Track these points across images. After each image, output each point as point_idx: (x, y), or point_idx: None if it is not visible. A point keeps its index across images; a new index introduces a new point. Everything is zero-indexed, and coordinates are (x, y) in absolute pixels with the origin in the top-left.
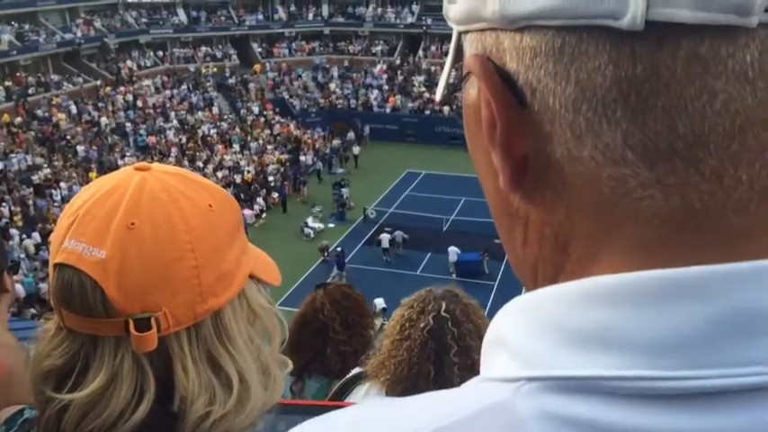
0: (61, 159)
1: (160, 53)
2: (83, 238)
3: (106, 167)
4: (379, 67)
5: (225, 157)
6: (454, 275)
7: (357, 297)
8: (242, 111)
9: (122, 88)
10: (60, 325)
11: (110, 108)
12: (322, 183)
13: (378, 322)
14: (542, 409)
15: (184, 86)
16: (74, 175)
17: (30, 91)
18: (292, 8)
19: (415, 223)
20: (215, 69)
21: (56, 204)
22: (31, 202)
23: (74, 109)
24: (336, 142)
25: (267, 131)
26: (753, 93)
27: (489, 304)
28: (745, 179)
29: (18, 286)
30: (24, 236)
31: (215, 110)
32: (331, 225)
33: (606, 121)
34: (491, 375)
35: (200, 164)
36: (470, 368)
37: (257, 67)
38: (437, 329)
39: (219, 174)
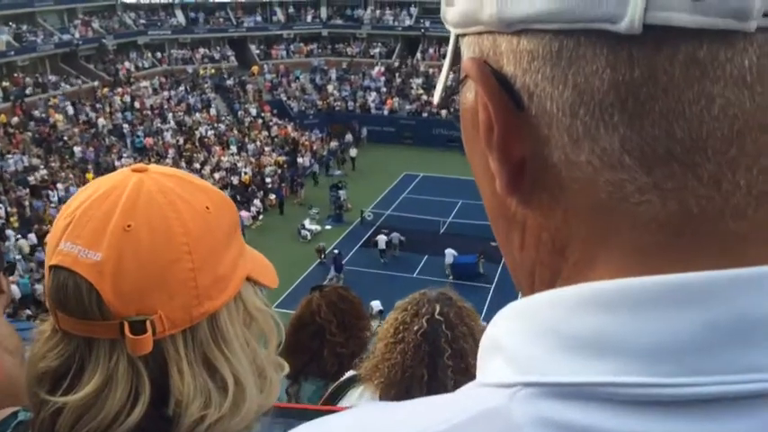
0: (58, 160)
1: (158, 54)
2: (79, 240)
3: (103, 169)
4: (377, 69)
5: (222, 158)
6: (450, 278)
7: (353, 299)
8: (240, 112)
9: (120, 89)
10: (56, 327)
11: (107, 109)
12: (318, 185)
13: (374, 324)
14: (538, 415)
15: (182, 88)
16: (70, 176)
17: (27, 91)
18: (291, 10)
19: (413, 225)
20: (213, 71)
21: (52, 205)
22: (27, 203)
23: (71, 110)
24: (334, 144)
25: (265, 133)
26: (751, 97)
27: (486, 307)
28: (743, 184)
29: (14, 287)
30: (19, 236)
31: (213, 111)
32: (328, 227)
33: (603, 126)
34: (487, 380)
35: (198, 165)
36: (464, 371)
37: (255, 68)
38: (431, 332)
39: (217, 175)
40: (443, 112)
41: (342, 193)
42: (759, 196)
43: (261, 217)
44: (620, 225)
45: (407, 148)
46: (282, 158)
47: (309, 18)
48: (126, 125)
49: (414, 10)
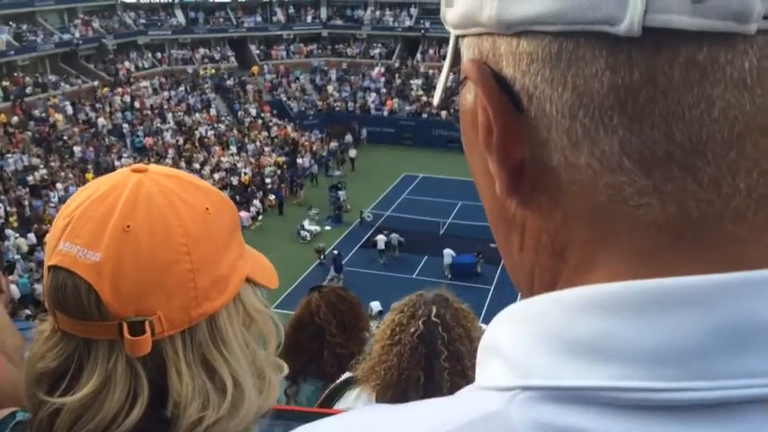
0: (58, 160)
1: (158, 54)
2: (78, 240)
3: (103, 168)
4: (377, 69)
5: (222, 158)
6: (449, 277)
7: (352, 300)
8: (239, 113)
9: (120, 89)
10: (55, 327)
11: (107, 109)
12: (318, 186)
13: (374, 325)
14: (537, 419)
15: (182, 88)
16: (70, 175)
17: (27, 91)
18: (291, 10)
19: (412, 226)
20: (213, 71)
21: (52, 205)
22: (27, 202)
23: (71, 110)
24: (334, 145)
25: (264, 133)
26: (751, 100)
27: (485, 309)
28: (742, 187)
29: (13, 287)
30: (17, 235)
31: (212, 111)
32: (327, 228)
33: (603, 128)
34: (486, 384)
35: (198, 165)
36: (460, 373)
37: (255, 68)
38: (427, 334)
39: (216, 175)
40: (443, 113)
41: (341, 193)
42: (759, 199)
43: (260, 217)
44: (619, 228)
45: (407, 148)
46: (282, 159)
47: (309, 18)
48: (126, 125)
49: (414, 11)
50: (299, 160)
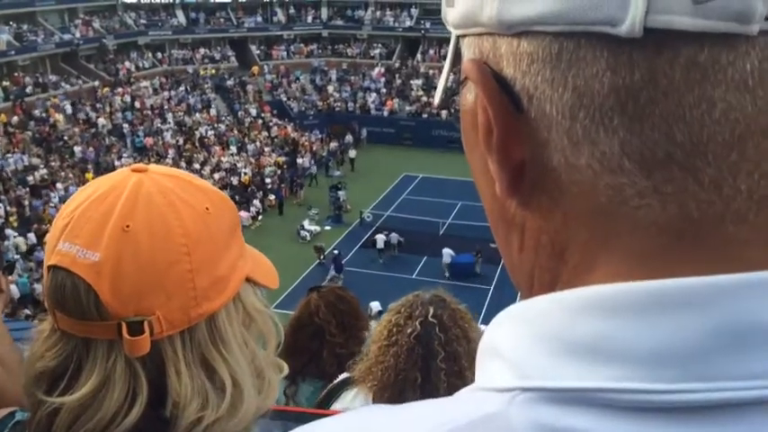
0: (58, 160)
1: (158, 54)
2: (77, 240)
3: (103, 168)
4: (377, 70)
5: (222, 158)
6: (448, 276)
7: (351, 299)
8: (240, 113)
9: (120, 89)
10: (54, 326)
11: (107, 109)
12: (318, 186)
13: (373, 325)
14: (536, 420)
15: (182, 88)
16: (70, 175)
17: (27, 91)
18: (291, 11)
19: (412, 227)
20: (213, 71)
21: (52, 205)
22: (27, 202)
23: (71, 110)
24: (334, 145)
25: (265, 133)
26: (753, 101)
27: (484, 309)
28: (744, 188)
29: (12, 287)
30: (16, 234)
31: (213, 111)
32: (327, 228)
33: (603, 129)
34: (485, 385)
35: (198, 165)
36: (457, 374)
37: (255, 69)
38: (424, 335)
39: (216, 175)
40: (443, 113)
41: (341, 193)
42: (760, 201)
43: (260, 217)
44: (620, 229)
45: (407, 149)
46: (282, 159)
47: (310, 19)
48: (126, 125)
49: (414, 11)
50: (299, 160)
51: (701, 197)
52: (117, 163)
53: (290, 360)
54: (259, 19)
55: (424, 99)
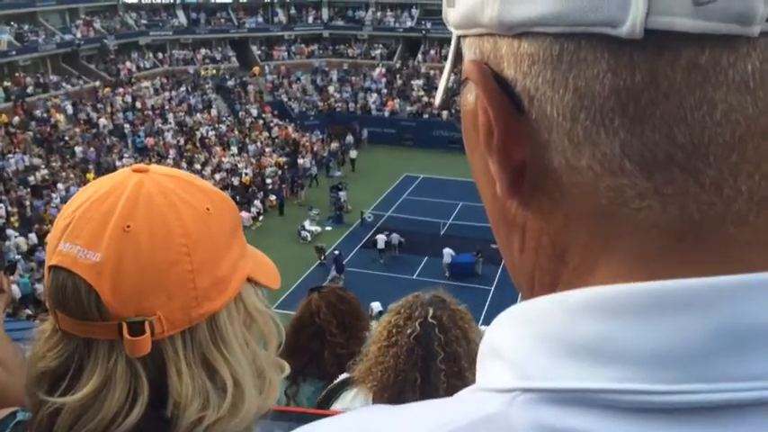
0: (59, 160)
1: (159, 55)
2: (78, 240)
3: (104, 169)
4: (378, 70)
5: (223, 159)
6: (447, 276)
7: (351, 300)
8: (240, 113)
9: (121, 89)
10: (56, 327)
11: (108, 109)
12: (319, 186)
13: (374, 325)
14: (537, 420)
15: (183, 88)
16: (71, 176)
17: (28, 91)
18: (292, 11)
19: (413, 227)
20: (214, 71)
21: (53, 205)
22: (28, 202)
23: (72, 110)
24: (335, 145)
25: (265, 134)
26: (753, 103)
27: (485, 309)
28: (744, 190)
29: (14, 287)
30: (17, 234)
31: (213, 112)
32: (328, 228)
33: (604, 131)
34: (486, 385)
35: (198, 166)
36: (457, 375)
37: (256, 69)
38: (424, 336)
39: (217, 176)
40: (444, 113)
41: (342, 194)
42: (760, 202)
43: (261, 218)
44: (621, 230)
45: (408, 149)
46: (283, 159)
47: (311, 19)
48: (127, 125)
49: (415, 11)
50: (300, 161)
51: (701, 198)
52: (118, 163)
53: (290, 360)
54: (260, 19)
55: (425, 99)
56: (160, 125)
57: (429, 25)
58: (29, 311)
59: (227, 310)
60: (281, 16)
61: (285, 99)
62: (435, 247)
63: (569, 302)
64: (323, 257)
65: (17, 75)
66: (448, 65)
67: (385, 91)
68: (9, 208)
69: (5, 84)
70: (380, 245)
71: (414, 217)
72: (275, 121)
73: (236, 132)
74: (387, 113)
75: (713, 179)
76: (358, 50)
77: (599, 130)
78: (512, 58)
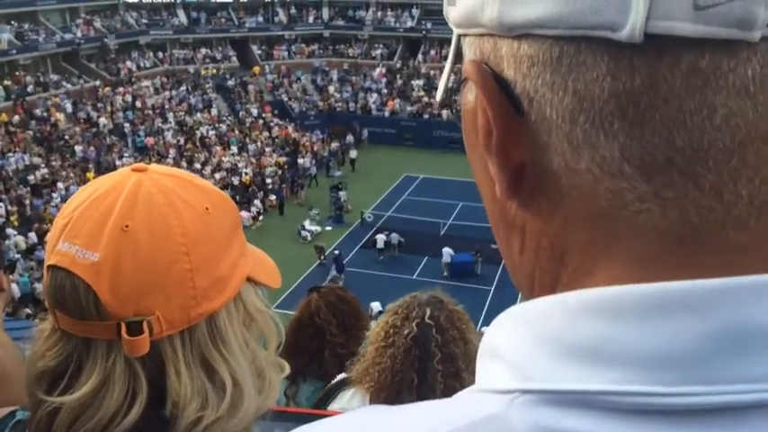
0: (59, 159)
1: (160, 54)
2: (76, 240)
3: (104, 168)
4: (378, 70)
5: (223, 158)
6: (447, 275)
7: (351, 300)
8: (241, 113)
9: (121, 89)
10: (55, 326)
11: (108, 108)
12: (319, 186)
13: (374, 325)
14: (536, 422)
15: (183, 88)
16: (71, 175)
17: (28, 90)
18: (292, 11)
19: (413, 227)
20: (214, 71)
21: (53, 204)
22: (27, 201)
23: (72, 109)
24: (335, 145)
25: (266, 134)
26: (754, 107)
27: (485, 310)
28: (744, 194)
29: (13, 286)
30: (16, 233)
31: (214, 111)
32: (328, 228)
33: (603, 134)
34: (486, 386)
35: (198, 165)
36: (454, 375)
37: (256, 69)
38: (421, 336)
39: (217, 175)
40: (444, 113)
41: (342, 194)
42: (761, 206)
43: (261, 218)
44: (620, 233)
45: (408, 149)
46: (283, 159)
47: (311, 19)
48: (127, 125)
49: (415, 11)
50: (300, 160)
51: (701, 203)
52: (118, 162)
53: (290, 360)
54: (260, 19)
55: (426, 100)
56: (160, 124)
57: (429, 25)
58: (28, 310)
59: (226, 309)
60: (282, 16)
61: (285, 99)
62: (435, 247)
63: (569, 303)
64: (323, 257)
65: (17, 74)
66: (449, 62)
67: (385, 91)
68: (9, 207)
69: (6, 83)
70: (380, 244)
71: (414, 217)
72: (275, 120)
73: (237, 132)
74: (387, 113)
75: (713, 183)
76: (358, 50)
77: (598, 133)
78: (511, 59)
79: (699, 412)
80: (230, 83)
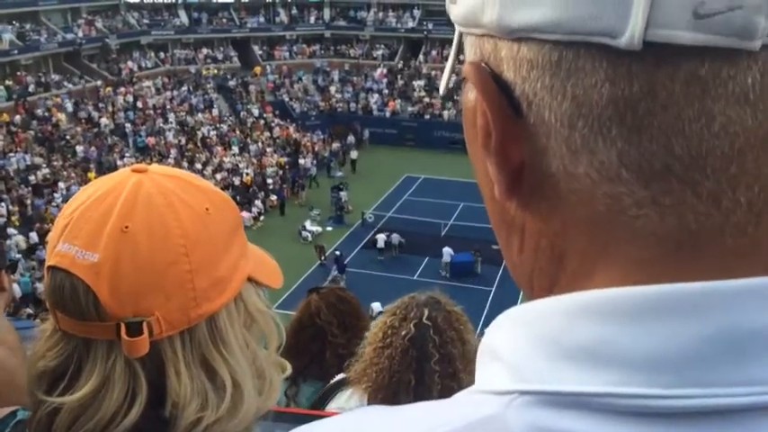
0: (60, 159)
1: (161, 54)
2: (76, 241)
3: (105, 168)
4: (379, 71)
5: (224, 159)
6: (447, 275)
7: (351, 300)
8: (242, 113)
9: (123, 89)
10: (56, 326)
11: (110, 108)
12: (319, 187)
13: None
14: (534, 423)
15: (185, 88)
16: (72, 175)
17: (30, 90)
18: (294, 11)
19: (414, 228)
20: (216, 71)
21: (54, 204)
22: (29, 201)
23: (73, 109)
24: (336, 146)
25: (267, 134)
26: (753, 115)
27: (486, 310)
28: (743, 201)
29: (14, 286)
30: (15, 232)
31: (215, 112)
32: (329, 228)
33: (602, 139)
34: (484, 387)
35: (199, 165)
36: (452, 376)
37: (258, 69)
38: (418, 337)
39: (218, 176)
40: (445, 113)
41: (343, 194)
42: (760, 213)
43: (262, 218)
44: (618, 237)
45: (409, 149)
46: (284, 159)
47: (312, 19)
48: (128, 125)
49: (417, 12)
50: (301, 161)
51: (699, 209)
52: (119, 162)
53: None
54: (261, 19)
55: (427, 100)
56: (161, 125)
57: (431, 26)
58: (29, 310)
59: (226, 310)
60: (283, 16)
61: (286, 99)
62: (436, 247)
63: (568, 305)
64: (323, 257)
65: (19, 74)
66: (452, 55)
67: (386, 91)
68: (10, 207)
69: (7, 83)
70: (380, 244)
71: (415, 217)
72: (276, 121)
73: (238, 132)
74: (388, 114)
75: (711, 190)
76: (359, 51)
77: (596, 138)
78: (511, 61)
79: (695, 415)
80: (231, 83)
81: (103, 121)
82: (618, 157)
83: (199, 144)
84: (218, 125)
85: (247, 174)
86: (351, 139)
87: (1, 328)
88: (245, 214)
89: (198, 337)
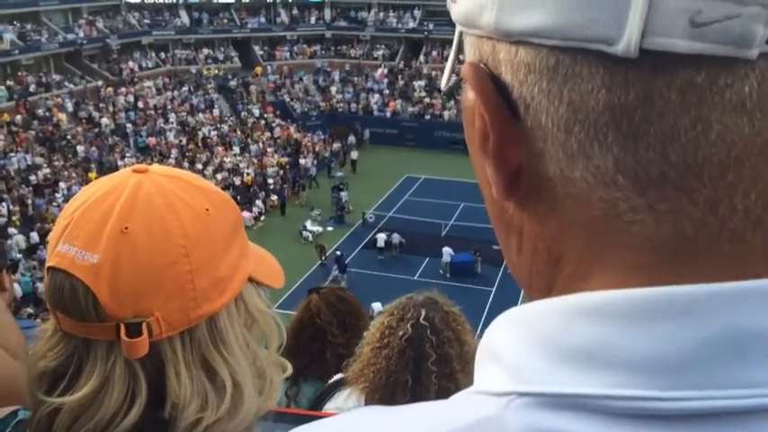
0: (61, 159)
1: (162, 54)
2: (76, 241)
3: (106, 168)
4: (380, 71)
5: (225, 159)
6: (447, 275)
7: (351, 300)
8: (243, 113)
9: (123, 89)
10: (56, 327)
11: (110, 109)
12: (320, 187)
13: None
14: (532, 425)
15: (186, 88)
16: (73, 175)
17: (31, 90)
18: (294, 11)
19: (414, 228)
20: (216, 71)
21: (55, 204)
22: (30, 201)
23: (74, 109)
24: (336, 146)
25: (267, 134)
26: (750, 123)
27: (486, 311)
28: (740, 208)
29: (15, 285)
30: (15, 232)
31: (216, 112)
32: (330, 228)
33: (598, 145)
34: (483, 388)
35: (200, 166)
36: (449, 377)
37: (258, 69)
38: (415, 338)
39: (219, 176)
40: (446, 114)
41: (343, 194)
42: (757, 220)
43: (262, 218)
44: (615, 241)
45: (410, 150)
46: (285, 160)
47: (313, 20)
48: (129, 125)
49: (417, 12)
50: (302, 161)
51: (695, 216)
52: (120, 162)
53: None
54: (262, 20)
55: (427, 100)
56: (162, 125)
57: (431, 26)
58: (30, 310)
59: (227, 310)
60: (284, 16)
61: (287, 99)
62: (436, 247)
63: (567, 305)
64: (324, 257)
65: (20, 74)
66: (452, 52)
67: (387, 92)
68: (11, 207)
69: (8, 83)
70: (380, 244)
71: (415, 218)
72: (277, 121)
73: (238, 132)
74: (389, 114)
75: (707, 198)
76: (360, 51)
77: (593, 144)
78: (509, 64)
79: (692, 417)
80: (232, 83)
81: (104, 121)
82: (614, 163)
83: (200, 144)
84: (218, 125)
85: (248, 174)
86: (351, 139)
87: (5, 326)
88: (245, 214)
89: (198, 338)
